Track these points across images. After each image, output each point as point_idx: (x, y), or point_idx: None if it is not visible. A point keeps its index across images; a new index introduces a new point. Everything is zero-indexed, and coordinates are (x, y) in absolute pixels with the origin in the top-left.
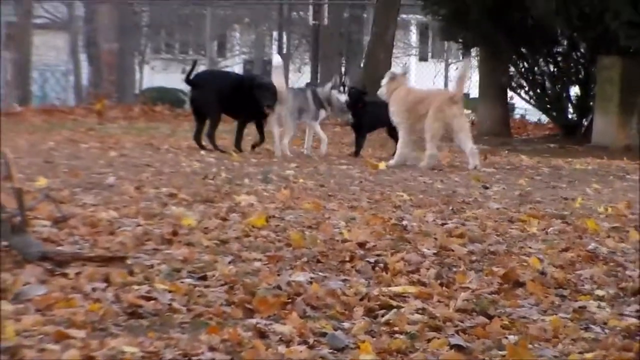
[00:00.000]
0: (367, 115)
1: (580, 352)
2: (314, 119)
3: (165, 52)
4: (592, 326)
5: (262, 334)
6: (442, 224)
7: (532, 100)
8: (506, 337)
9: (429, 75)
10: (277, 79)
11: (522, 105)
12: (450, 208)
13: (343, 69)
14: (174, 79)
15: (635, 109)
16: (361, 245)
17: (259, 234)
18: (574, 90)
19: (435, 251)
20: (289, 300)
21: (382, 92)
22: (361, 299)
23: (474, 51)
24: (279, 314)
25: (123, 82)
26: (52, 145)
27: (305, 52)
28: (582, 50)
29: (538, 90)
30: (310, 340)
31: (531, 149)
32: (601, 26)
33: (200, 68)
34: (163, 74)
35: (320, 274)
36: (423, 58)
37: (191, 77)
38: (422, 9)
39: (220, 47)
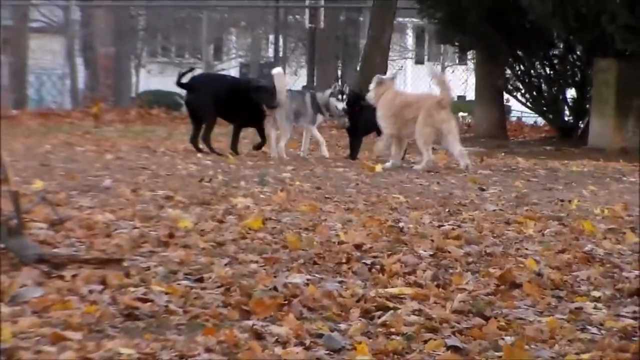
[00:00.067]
0: (363, 119)
1: (576, 353)
2: (311, 123)
3: (162, 56)
4: (589, 327)
5: (258, 336)
6: (439, 226)
7: (528, 103)
8: (503, 338)
9: (425, 79)
10: (279, 84)
11: (518, 107)
12: (447, 210)
13: (339, 72)
14: (171, 83)
15: (631, 112)
16: (358, 247)
17: (256, 236)
18: (570, 93)
19: (431, 253)
20: (286, 302)
21: (370, 96)
22: (357, 301)
23: (470, 54)
24: (275, 315)
25: (119, 86)
26: (49, 148)
27: (301, 56)
28: (578, 53)
29: (534, 93)
30: (307, 342)
31: (527, 151)
32: (597, 29)
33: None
34: (159, 78)
35: (316, 275)
36: (419, 61)
37: (182, 80)
38: (418, 12)
39: (217, 50)
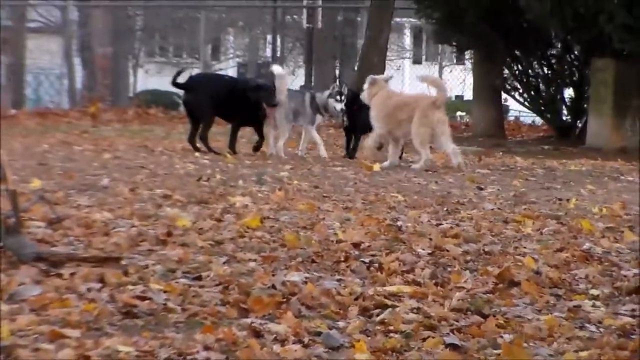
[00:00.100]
0: (361, 118)
1: (575, 351)
2: (310, 124)
3: (159, 56)
4: (587, 325)
5: (257, 333)
6: (437, 225)
7: (526, 102)
8: (501, 336)
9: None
10: (280, 84)
11: (516, 107)
12: (445, 209)
13: (337, 72)
14: (168, 82)
15: (628, 111)
16: (356, 245)
17: (254, 235)
18: (568, 93)
19: (430, 251)
20: (284, 300)
21: (363, 96)
22: (356, 299)
23: (468, 54)
24: (273, 313)
25: (117, 86)
26: (46, 147)
27: (299, 55)
28: (576, 52)
29: (532, 93)
30: (305, 340)
31: (525, 150)
32: (595, 29)
33: (194, 71)
34: (157, 77)
35: (315, 273)
36: (417, 61)
37: (177, 80)
38: (416, 12)
39: (215, 50)
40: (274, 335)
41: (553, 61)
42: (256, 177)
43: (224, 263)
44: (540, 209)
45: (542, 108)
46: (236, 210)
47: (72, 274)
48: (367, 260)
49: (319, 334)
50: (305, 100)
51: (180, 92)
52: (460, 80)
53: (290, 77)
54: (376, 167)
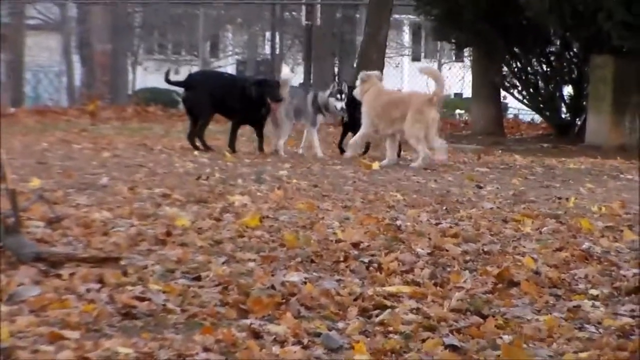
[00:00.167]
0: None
1: (574, 352)
2: (312, 124)
3: (158, 53)
4: (587, 325)
5: (256, 335)
6: (436, 224)
7: (525, 100)
8: (500, 337)
9: (422, 76)
10: (284, 88)
11: (515, 104)
12: (444, 208)
13: (336, 70)
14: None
15: (628, 109)
16: (355, 245)
17: (253, 234)
18: (567, 90)
19: (429, 251)
20: (283, 301)
21: (356, 92)
22: (355, 299)
23: (467, 51)
24: (273, 314)
25: (116, 83)
26: (45, 146)
27: (298, 53)
28: (575, 49)
29: (531, 90)
30: (305, 341)
31: (524, 148)
32: (594, 26)
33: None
34: (156, 75)
35: (314, 274)
36: (416, 58)
37: (169, 78)
38: (415, 9)
39: (213, 47)
40: (274, 336)
41: (552, 58)
42: (255, 176)
43: (223, 263)
44: (539, 207)
45: (541, 106)
46: (235, 209)
47: (71, 275)
48: (366, 260)
49: (318, 335)
50: (307, 99)
51: (179, 89)
52: (459, 77)
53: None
54: (375, 165)
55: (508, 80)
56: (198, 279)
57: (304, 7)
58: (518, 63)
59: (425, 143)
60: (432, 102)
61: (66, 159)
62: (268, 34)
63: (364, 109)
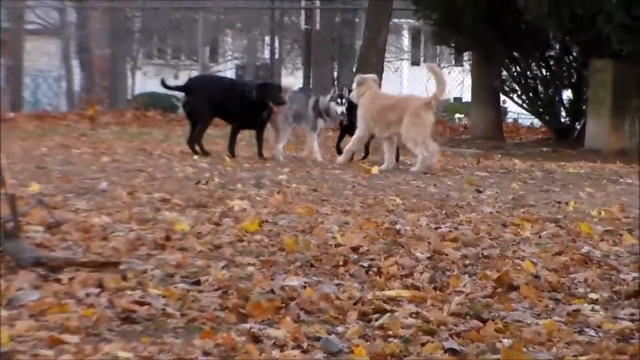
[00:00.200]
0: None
1: (574, 356)
2: (312, 129)
3: (158, 58)
4: (586, 329)
5: (255, 339)
6: (436, 228)
7: (524, 104)
8: (500, 341)
9: (422, 80)
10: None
11: (514, 109)
12: (444, 212)
13: (335, 74)
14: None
15: (627, 113)
16: (355, 249)
17: (252, 239)
18: (567, 94)
19: (428, 255)
20: (283, 305)
21: (352, 95)
22: (355, 303)
23: (466, 55)
24: (272, 318)
25: (115, 88)
26: (45, 150)
27: (297, 57)
28: (574, 53)
29: (531, 94)
30: (304, 345)
31: (524, 152)
32: (593, 29)
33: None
34: (155, 80)
35: (313, 278)
36: (415, 62)
37: (166, 83)
38: (414, 14)
39: (213, 52)
40: (273, 341)
41: (551, 62)
42: (255, 181)
43: (222, 267)
44: (539, 212)
45: (541, 110)
46: (235, 214)
47: (70, 279)
48: (365, 264)
49: (318, 339)
50: (308, 104)
51: (178, 94)
52: (458, 81)
53: (288, 79)
54: (374, 170)
55: (507, 84)
56: (197, 283)
57: (303, 12)
58: (517, 67)
59: (423, 146)
60: (430, 106)
61: (65, 163)
62: (267, 39)
63: (360, 112)
